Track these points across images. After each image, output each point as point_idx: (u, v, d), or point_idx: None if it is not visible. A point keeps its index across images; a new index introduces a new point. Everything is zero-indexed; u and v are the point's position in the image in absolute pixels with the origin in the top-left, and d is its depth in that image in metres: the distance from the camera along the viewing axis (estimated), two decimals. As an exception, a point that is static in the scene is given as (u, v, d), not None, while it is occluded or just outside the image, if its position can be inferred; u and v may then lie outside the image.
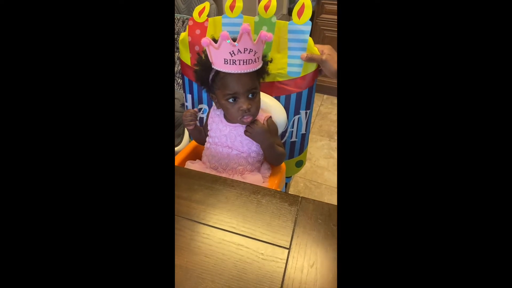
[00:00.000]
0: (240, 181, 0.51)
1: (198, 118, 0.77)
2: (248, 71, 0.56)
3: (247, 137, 0.63)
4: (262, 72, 0.62)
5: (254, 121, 0.62)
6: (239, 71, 0.55)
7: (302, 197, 0.48)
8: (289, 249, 0.41)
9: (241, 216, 0.45)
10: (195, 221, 0.45)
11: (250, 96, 0.58)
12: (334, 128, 1.79)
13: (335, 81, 0.67)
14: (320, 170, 1.51)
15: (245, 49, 0.53)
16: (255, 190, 0.50)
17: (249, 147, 0.64)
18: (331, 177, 1.48)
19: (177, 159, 0.71)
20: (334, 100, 2.03)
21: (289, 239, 0.42)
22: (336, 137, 1.73)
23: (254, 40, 0.53)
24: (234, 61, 0.54)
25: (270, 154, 0.65)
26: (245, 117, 0.59)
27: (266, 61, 0.62)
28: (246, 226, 0.44)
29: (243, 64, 0.54)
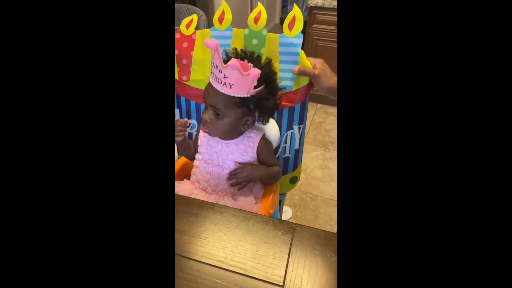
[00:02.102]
0: (229, 207, 0.47)
1: (187, 130, 0.73)
2: (216, 87, 0.54)
3: (240, 156, 0.60)
4: (243, 105, 0.55)
5: (236, 170, 0.60)
6: (211, 83, 0.55)
7: (296, 224, 0.44)
8: (282, 286, 0.37)
9: (229, 247, 0.41)
10: (178, 255, 0.40)
11: (217, 113, 0.56)
12: (328, 138, 1.77)
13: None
14: (316, 181, 1.48)
15: (216, 66, 0.52)
16: (246, 216, 0.46)
17: (240, 167, 0.61)
18: (327, 188, 1.45)
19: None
20: (328, 109, 2.01)
21: (283, 274, 0.38)
22: (330, 147, 1.71)
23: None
24: (211, 70, 0.54)
25: (268, 180, 0.64)
26: (202, 126, 0.59)
27: (258, 102, 0.55)
28: (236, 259, 0.40)
29: (214, 79, 0.54)
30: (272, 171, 0.63)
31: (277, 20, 3.09)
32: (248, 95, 0.53)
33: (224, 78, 0.51)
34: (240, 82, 0.51)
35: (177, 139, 0.64)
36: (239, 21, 1.64)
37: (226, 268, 0.39)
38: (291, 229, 0.44)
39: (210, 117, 0.56)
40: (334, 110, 1.99)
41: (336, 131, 1.84)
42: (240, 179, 0.59)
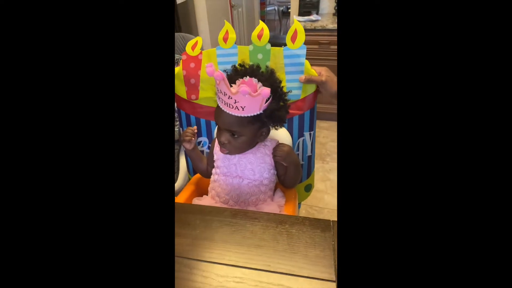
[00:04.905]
0: (262, 212, 0.47)
1: (199, 148, 0.73)
2: (228, 112, 0.54)
3: (258, 164, 0.60)
4: (257, 121, 0.56)
5: (279, 145, 0.61)
6: (221, 107, 0.55)
7: (333, 220, 0.44)
8: (336, 281, 0.36)
9: (272, 251, 0.40)
10: (223, 264, 0.39)
11: (233, 134, 0.57)
12: (325, 151, 1.80)
13: (321, 105, 0.68)
14: (320, 194, 1.48)
15: (225, 93, 0.52)
16: (282, 219, 0.45)
17: (261, 174, 0.61)
18: (331, 200, 1.45)
19: (183, 197, 0.65)
20: (320, 123, 2.07)
21: (333, 270, 0.37)
22: (328, 159, 1.73)
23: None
24: (219, 96, 0.54)
25: (295, 173, 0.64)
26: (221, 148, 0.60)
27: (271, 115, 0.56)
28: (282, 262, 0.39)
29: (224, 104, 0.54)
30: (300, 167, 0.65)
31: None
32: (261, 111, 0.55)
33: (235, 103, 0.52)
34: (252, 103, 0.52)
35: (186, 146, 0.63)
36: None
37: (274, 270, 0.38)
38: (329, 226, 0.44)
39: (228, 139, 0.57)
40: (325, 124, 2.05)
41: (331, 143, 1.88)
42: (281, 151, 0.60)
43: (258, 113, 0.54)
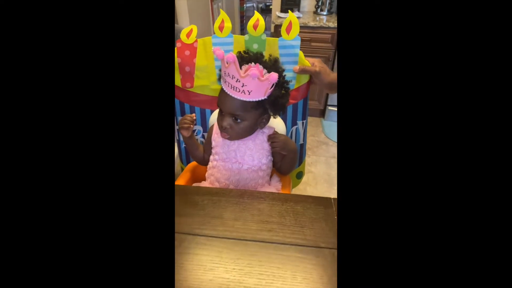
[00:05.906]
0: (267, 192, 0.49)
1: (195, 123, 0.73)
2: (233, 96, 0.55)
3: (257, 150, 0.62)
4: (260, 107, 0.58)
5: (274, 135, 0.62)
6: (227, 92, 0.56)
7: (333, 198, 0.48)
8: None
9: (281, 225, 0.43)
10: (235, 239, 0.40)
11: (236, 119, 0.58)
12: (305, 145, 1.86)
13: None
14: (302, 185, 1.53)
15: (233, 76, 0.53)
16: (287, 198, 0.48)
17: (259, 160, 0.62)
18: (314, 191, 1.51)
19: (181, 183, 0.65)
20: (300, 118, 2.12)
21: (335, 240, 0.40)
22: (309, 153, 1.80)
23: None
24: (225, 80, 0.55)
25: (293, 160, 0.65)
26: (222, 132, 0.60)
27: (274, 101, 0.58)
28: (290, 235, 0.41)
29: (230, 88, 0.54)
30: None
31: (237, 32, 3.23)
32: (265, 97, 0.56)
33: (242, 86, 0.53)
34: (259, 88, 0.54)
35: (184, 133, 0.63)
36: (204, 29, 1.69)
37: (287, 242, 0.40)
38: (331, 204, 0.47)
39: (230, 123, 0.58)
40: (306, 119, 2.11)
41: (311, 137, 1.95)
42: (279, 142, 0.62)
43: (263, 98, 0.56)
